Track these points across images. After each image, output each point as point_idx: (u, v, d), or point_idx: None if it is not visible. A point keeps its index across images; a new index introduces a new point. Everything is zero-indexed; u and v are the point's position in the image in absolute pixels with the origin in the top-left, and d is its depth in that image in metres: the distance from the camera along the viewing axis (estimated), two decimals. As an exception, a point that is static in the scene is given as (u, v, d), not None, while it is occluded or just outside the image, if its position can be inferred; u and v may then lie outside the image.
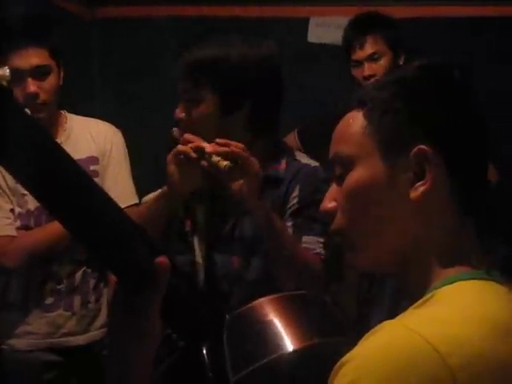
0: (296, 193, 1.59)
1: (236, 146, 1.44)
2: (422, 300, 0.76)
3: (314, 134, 2.66)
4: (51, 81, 1.92)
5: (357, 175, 0.85)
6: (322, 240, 1.57)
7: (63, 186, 0.66)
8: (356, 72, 2.42)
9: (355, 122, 0.87)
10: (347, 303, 1.92)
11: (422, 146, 0.81)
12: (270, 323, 1.10)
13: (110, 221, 0.70)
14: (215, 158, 1.42)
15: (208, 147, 1.45)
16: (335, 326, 1.15)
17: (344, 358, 0.70)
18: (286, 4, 3.43)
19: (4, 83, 0.59)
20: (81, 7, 3.50)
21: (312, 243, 1.56)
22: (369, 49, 2.38)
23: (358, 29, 2.42)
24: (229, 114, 1.56)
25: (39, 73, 1.88)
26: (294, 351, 1.06)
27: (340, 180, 0.87)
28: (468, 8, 3.23)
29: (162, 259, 0.73)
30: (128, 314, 0.74)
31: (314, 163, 1.65)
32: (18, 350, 2.00)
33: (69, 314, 2.03)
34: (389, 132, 0.83)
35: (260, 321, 1.11)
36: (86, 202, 0.67)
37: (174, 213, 1.62)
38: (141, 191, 2.06)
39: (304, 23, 3.34)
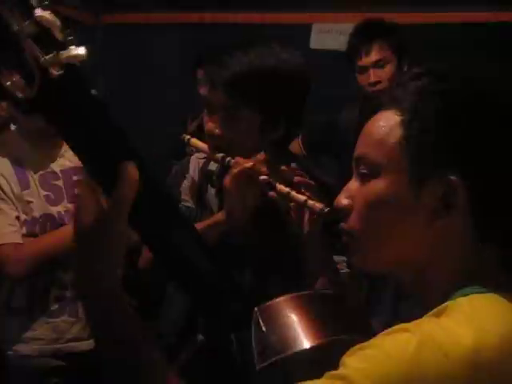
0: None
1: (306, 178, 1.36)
2: (436, 309, 0.75)
3: (317, 140, 2.67)
4: None
5: (380, 186, 0.82)
6: (345, 258, 1.54)
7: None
8: (361, 78, 2.44)
9: (392, 128, 0.82)
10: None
11: (454, 178, 0.78)
12: (295, 318, 1.15)
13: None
14: (310, 202, 1.30)
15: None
16: (357, 322, 1.19)
17: (365, 343, 0.72)
18: (287, 11, 3.45)
19: (77, 64, 0.64)
20: (85, 14, 3.53)
21: (338, 262, 1.53)
22: (374, 55, 2.40)
23: (364, 35, 2.44)
24: (268, 131, 1.49)
25: None
26: (316, 346, 1.11)
27: (363, 179, 0.85)
28: (460, 14, 3.25)
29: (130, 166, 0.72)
30: (97, 217, 0.73)
31: (328, 178, 1.61)
32: (24, 356, 2.01)
33: (73, 319, 2.03)
34: (424, 152, 0.79)
35: (286, 315, 1.15)
36: None
37: None
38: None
39: (306, 30, 3.36)
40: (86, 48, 0.66)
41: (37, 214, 1.97)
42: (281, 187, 1.36)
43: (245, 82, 1.45)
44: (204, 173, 1.63)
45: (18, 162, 1.98)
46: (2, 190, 1.95)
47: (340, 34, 3.06)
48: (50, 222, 1.98)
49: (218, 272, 0.88)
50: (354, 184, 0.87)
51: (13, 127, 2.08)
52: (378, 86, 2.38)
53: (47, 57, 0.62)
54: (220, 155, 1.47)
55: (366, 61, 2.41)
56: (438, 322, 0.73)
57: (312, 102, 1.55)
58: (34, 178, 1.97)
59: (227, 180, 1.43)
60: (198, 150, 1.60)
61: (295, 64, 1.49)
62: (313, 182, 1.36)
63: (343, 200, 0.87)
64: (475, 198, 0.78)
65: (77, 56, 0.64)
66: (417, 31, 3.18)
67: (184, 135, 1.57)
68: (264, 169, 1.40)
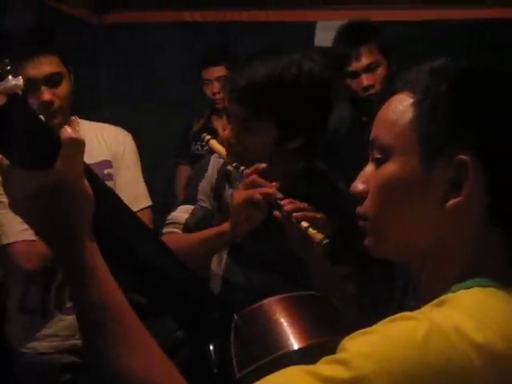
0: (336, 220, 1.47)
1: (311, 210, 1.32)
2: (436, 300, 0.75)
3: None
4: (64, 87, 1.94)
5: (392, 168, 0.82)
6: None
7: None
8: (353, 83, 2.39)
9: (403, 110, 0.82)
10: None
11: (465, 157, 0.77)
12: (277, 322, 1.11)
13: None
14: (311, 231, 1.27)
15: (287, 205, 1.31)
16: (341, 325, 1.15)
17: (367, 329, 0.70)
18: (292, 8, 3.45)
19: (19, 93, 0.64)
20: (88, 13, 3.53)
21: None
22: (365, 60, 2.35)
23: (352, 40, 2.39)
24: (285, 143, 1.43)
25: (52, 80, 1.91)
26: (299, 349, 1.07)
27: (378, 163, 0.84)
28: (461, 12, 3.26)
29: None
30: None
31: (344, 187, 1.56)
32: (38, 353, 2.02)
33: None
34: (436, 131, 0.79)
35: (267, 319, 1.12)
36: None
37: None
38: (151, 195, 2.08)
39: (310, 27, 3.36)
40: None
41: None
42: (287, 209, 1.31)
43: (260, 93, 1.37)
44: (222, 173, 1.60)
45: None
46: None
47: (344, 31, 3.06)
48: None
49: (193, 282, 0.86)
50: (369, 168, 0.86)
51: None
52: (371, 91, 2.35)
53: None
54: (234, 164, 1.44)
55: (356, 66, 2.36)
56: (443, 311, 0.72)
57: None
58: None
59: (236, 195, 1.39)
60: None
61: (318, 74, 1.40)
62: (319, 215, 1.32)
63: (359, 185, 0.86)
64: (486, 177, 0.77)
65: (15, 86, 0.64)
66: (420, 28, 3.19)
67: (204, 134, 1.53)
68: (277, 194, 1.35)
